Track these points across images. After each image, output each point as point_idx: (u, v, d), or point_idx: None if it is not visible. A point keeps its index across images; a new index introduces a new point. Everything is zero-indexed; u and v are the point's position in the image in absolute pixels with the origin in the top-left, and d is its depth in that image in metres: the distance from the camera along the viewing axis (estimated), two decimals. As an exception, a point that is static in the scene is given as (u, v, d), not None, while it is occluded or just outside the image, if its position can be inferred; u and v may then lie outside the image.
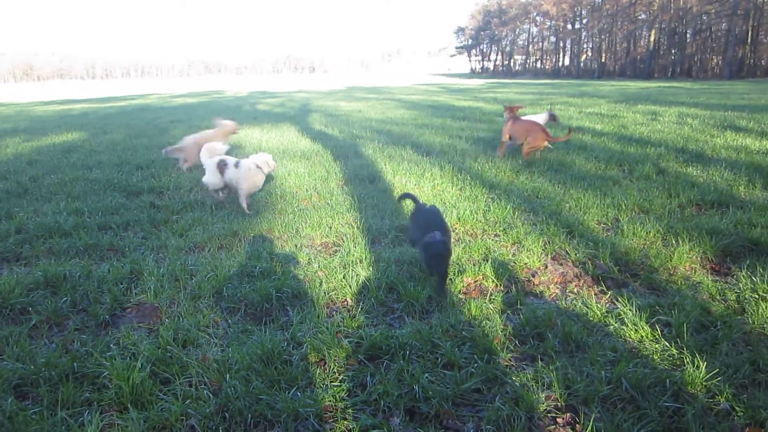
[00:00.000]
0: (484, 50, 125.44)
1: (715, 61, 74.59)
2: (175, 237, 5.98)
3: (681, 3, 73.95)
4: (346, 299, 4.48)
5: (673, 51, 79.97)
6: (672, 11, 74.83)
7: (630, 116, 16.07)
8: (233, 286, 4.65)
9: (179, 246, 5.68)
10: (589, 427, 2.94)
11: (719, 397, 3.18)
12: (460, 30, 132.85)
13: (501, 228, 6.00)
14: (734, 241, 5.33)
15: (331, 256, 5.35)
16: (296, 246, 5.64)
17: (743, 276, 4.63)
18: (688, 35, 78.31)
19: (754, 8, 64.94)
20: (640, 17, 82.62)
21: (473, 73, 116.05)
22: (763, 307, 4.09)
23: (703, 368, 3.35)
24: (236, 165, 6.90)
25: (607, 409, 3.12)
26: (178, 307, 4.37)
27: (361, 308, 4.27)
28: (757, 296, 4.32)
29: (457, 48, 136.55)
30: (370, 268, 4.99)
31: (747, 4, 64.33)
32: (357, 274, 4.83)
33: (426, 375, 3.40)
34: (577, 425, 3.02)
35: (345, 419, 3.08)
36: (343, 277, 4.78)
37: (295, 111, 22.31)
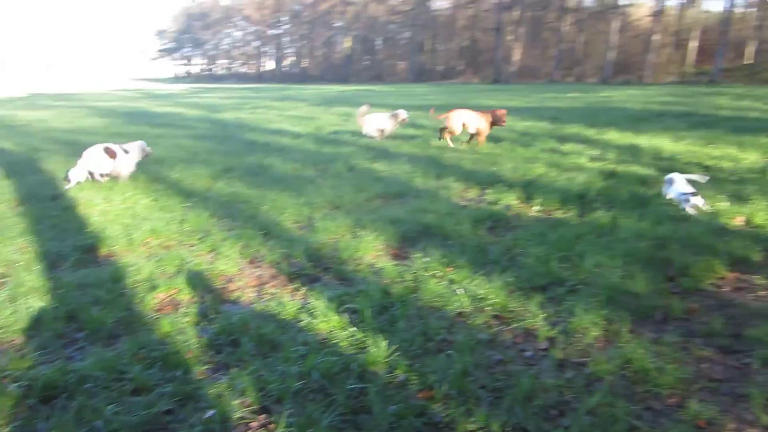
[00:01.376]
0: (187, 54, 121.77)
1: (401, 66, 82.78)
2: None
3: (371, 13, 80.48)
4: (14, 339, 3.92)
5: (366, 57, 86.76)
6: (363, 20, 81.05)
7: (327, 118, 17.05)
8: None
9: None
10: (282, 424, 3.00)
11: (397, 370, 3.49)
12: (162, 32, 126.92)
13: (197, 237, 5.85)
14: (411, 227, 5.95)
15: (-3, 291, 4.64)
16: (-49, 284, 4.78)
17: (417, 257, 5.19)
18: (378, 42, 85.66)
19: (430, 20, 73.63)
20: (336, 25, 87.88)
21: (177, 78, 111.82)
22: (433, 283, 4.64)
23: (384, 346, 3.66)
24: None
25: (299, 402, 3.21)
26: None
27: (35, 345, 3.78)
28: (428, 274, 4.88)
29: (159, 51, 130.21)
30: (47, 297, 4.46)
31: (425, 16, 72.63)
32: (29, 307, 4.27)
33: (111, 406, 3.14)
34: (271, 425, 3.06)
35: (8, 477, 2.68)
36: (12, 313, 4.18)
37: (-42, 124, 19.04)
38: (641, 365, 3.50)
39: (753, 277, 4.74)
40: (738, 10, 44.01)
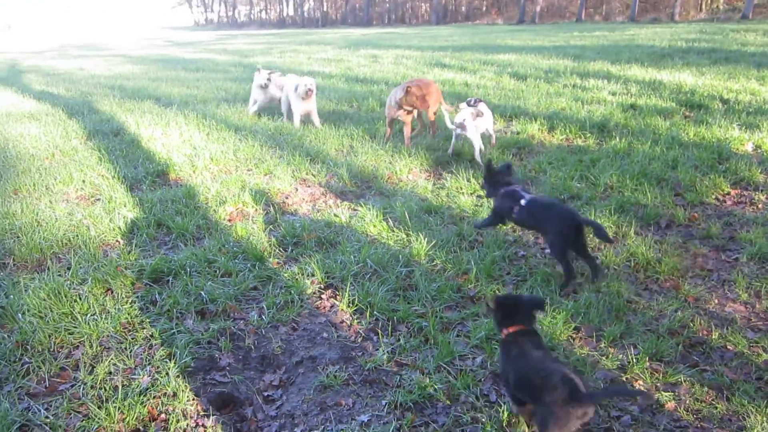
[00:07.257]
0: (207, 1, 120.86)
1: (424, 8, 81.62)
2: None
3: (390, -47, 79.01)
4: (117, 239, 4.73)
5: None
6: (383, -39, 79.68)
7: (354, 59, 17.50)
8: (-9, 244, 4.59)
9: None
10: (347, 295, 3.77)
11: (437, 260, 4.23)
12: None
13: (252, 163, 6.59)
14: (442, 155, 6.61)
15: (92, 205, 5.44)
16: (51, 201, 5.58)
17: (450, 178, 5.87)
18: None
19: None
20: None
21: (197, 26, 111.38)
22: (462, 198, 5.35)
23: (425, 242, 4.39)
24: None
25: (358, 281, 3.99)
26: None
27: (135, 244, 4.58)
28: (459, 191, 5.58)
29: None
30: (136, 210, 5.25)
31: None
32: (124, 216, 5.07)
33: (209, 283, 3.94)
34: (338, 296, 3.85)
35: (144, 328, 3.49)
36: (110, 221, 4.98)
37: (3, 72, 19.82)
38: (644, 258, 4.17)
39: (753, 193, 5.32)
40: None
